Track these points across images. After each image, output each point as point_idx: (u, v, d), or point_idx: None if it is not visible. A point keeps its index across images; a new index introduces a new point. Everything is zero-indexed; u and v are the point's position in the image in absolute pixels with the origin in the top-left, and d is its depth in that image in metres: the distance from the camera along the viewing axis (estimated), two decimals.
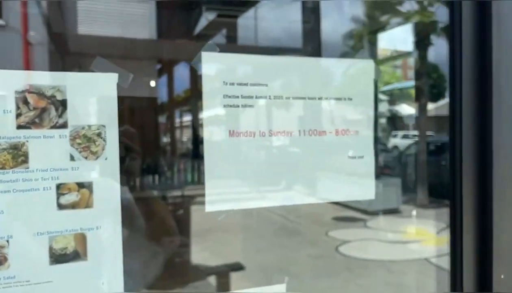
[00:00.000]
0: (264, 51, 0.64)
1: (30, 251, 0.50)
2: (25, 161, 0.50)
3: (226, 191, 0.59)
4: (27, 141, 0.50)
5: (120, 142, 0.55)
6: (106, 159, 0.53)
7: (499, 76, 0.69)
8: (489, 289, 0.70)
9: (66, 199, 0.52)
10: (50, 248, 0.51)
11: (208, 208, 0.58)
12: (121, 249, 0.54)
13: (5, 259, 0.49)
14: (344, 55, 0.71)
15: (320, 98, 0.64)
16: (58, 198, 0.51)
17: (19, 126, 0.49)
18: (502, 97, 0.69)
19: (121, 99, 0.54)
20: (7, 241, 0.49)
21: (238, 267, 3.09)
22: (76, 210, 0.52)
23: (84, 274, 0.53)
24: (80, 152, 0.52)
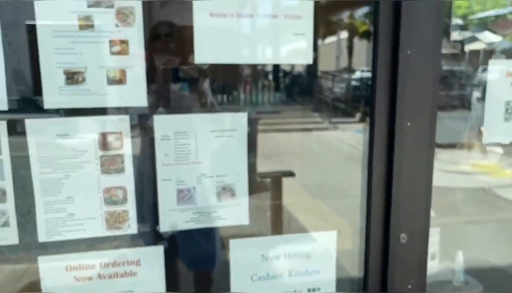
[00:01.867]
0: None
1: (98, 75, 0.93)
2: (91, 27, 0.91)
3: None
4: (93, 15, 0.91)
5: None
6: (135, 27, 0.93)
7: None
8: None
9: (114, 49, 0.93)
10: (107, 76, 0.94)
11: (197, 60, 0.97)
12: (145, 79, 0.95)
13: (84, 79, 0.93)
14: None
15: None
16: (110, 48, 0.93)
17: (89, 5, 0.91)
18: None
19: None
20: (85, 68, 0.93)
21: (289, 174, 3.59)
22: (120, 56, 0.94)
23: (125, 92, 0.95)
24: (121, 22, 0.92)
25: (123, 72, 0.94)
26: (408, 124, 1.02)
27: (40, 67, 0.91)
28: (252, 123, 1.05)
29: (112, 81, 0.94)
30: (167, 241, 1.04)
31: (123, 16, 0.92)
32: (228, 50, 0.98)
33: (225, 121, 1.02)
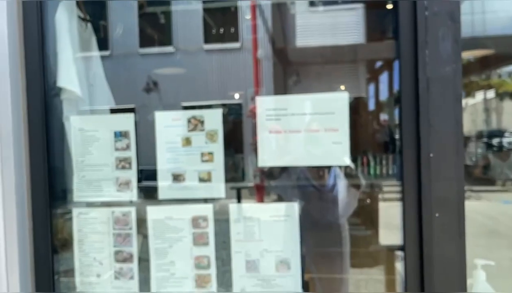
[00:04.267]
0: None
1: (193, 176, 1.36)
2: (190, 144, 1.35)
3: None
4: (191, 136, 1.35)
5: None
6: (218, 143, 1.34)
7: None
8: None
9: (204, 158, 1.35)
10: (199, 177, 1.35)
11: (260, 164, 1.32)
12: (223, 171, 1.34)
13: (184, 179, 1.36)
14: None
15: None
16: (201, 157, 1.35)
17: (189, 130, 1.35)
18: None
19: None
20: (185, 172, 1.36)
21: (400, 248, 3.64)
22: (207, 163, 1.35)
23: (211, 189, 1.35)
24: (209, 139, 1.35)
25: (209, 174, 1.35)
26: (436, 215, 1.20)
27: (157, 170, 1.38)
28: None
29: (201, 180, 1.35)
30: None
31: (210, 136, 1.35)
32: (282, 157, 1.32)
33: (280, 209, 1.34)
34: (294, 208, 1.33)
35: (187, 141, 1.36)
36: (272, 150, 1.32)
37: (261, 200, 2.77)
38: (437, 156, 1.20)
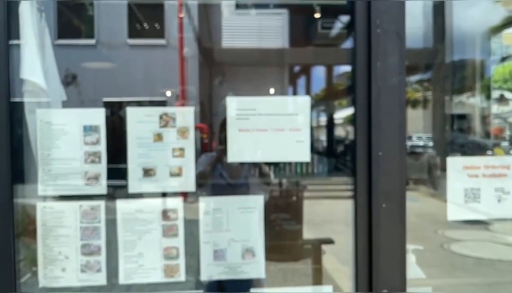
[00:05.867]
0: None
1: (164, 171, 1.41)
2: (161, 140, 1.41)
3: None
4: (163, 132, 1.41)
5: None
6: (189, 139, 1.42)
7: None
8: None
9: (175, 154, 1.41)
10: (170, 172, 1.41)
11: (230, 160, 1.42)
12: (194, 166, 1.41)
13: (155, 173, 1.41)
14: None
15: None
16: (172, 153, 1.41)
17: (160, 127, 1.41)
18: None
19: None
20: (156, 166, 1.41)
21: (328, 241, 3.92)
22: (179, 158, 1.41)
23: (182, 185, 1.41)
24: (180, 136, 1.41)
25: (180, 168, 1.42)
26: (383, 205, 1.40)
27: (128, 164, 1.41)
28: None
29: (173, 175, 1.42)
30: None
31: (181, 133, 1.42)
32: (250, 152, 1.43)
33: (247, 201, 1.45)
34: (259, 200, 1.45)
35: (159, 137, 1.41)
36: (241, 146, 1.43)
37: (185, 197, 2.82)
38: (385, 154, 1.39)
